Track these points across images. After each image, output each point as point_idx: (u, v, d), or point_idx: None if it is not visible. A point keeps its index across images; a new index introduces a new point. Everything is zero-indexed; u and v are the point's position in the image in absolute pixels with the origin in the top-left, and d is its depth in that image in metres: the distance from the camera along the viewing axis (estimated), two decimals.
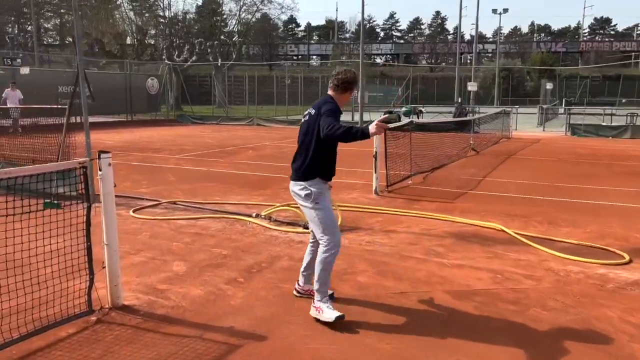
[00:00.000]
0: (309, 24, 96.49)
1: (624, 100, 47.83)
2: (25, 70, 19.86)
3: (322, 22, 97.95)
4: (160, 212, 6.92)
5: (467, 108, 22.59)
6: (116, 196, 8.10)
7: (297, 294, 4.10)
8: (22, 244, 3.36)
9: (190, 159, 12.59)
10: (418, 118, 23.35)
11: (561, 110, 30.18)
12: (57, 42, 71.90)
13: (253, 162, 12.13)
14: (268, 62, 61.79)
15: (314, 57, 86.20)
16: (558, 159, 13.10)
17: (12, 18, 73.25)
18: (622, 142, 17.84)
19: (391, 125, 8.53)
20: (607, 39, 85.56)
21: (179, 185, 9.00)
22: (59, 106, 7.37)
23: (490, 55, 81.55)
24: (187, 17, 47.04)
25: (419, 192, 8.50)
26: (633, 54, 71.58)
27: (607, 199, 8.06)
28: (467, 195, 8.32)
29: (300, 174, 3.72)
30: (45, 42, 79.39)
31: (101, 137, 18.58)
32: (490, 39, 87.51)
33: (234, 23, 48.64)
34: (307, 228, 5.81)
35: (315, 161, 3.66)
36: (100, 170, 3.53)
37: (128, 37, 44.49)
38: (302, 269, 4.08)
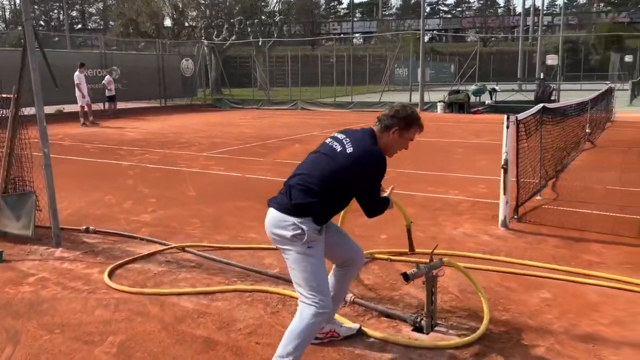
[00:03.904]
0: (351, 1, 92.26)
1: None
2: None
3: None
4: (157, 271, 4.11)
5: (552, 86, 18.97)
6: (97, 232, 4.60)
7: (314, 341, 2.81)
8: None
9: (222, 158, 9.81)
10: (491, 98, 19.87)
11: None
12: (101, 27, 71.16)
13: None
14: (310, 40, 58.47)
15: (357, 34, 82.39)
16: None
17: (57, 4, 73.06)
18: None
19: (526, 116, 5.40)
20: None
21: (199, 205, 6.21)
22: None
23: (545, 28, 75.85)
24: None
25: (565, 218, 5.39)
26: None
27: None
28: None
29: (292, 208, 2.58)
30: (89, 27, 79.13)
31: (127, 125, 16.16)
32: (545, 11, 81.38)
33: (274, 1, 45.84)
34: (420, 329, 2.91)
35: (321, 207, 2.59)
36: None
37: (167, 18, 42.26)
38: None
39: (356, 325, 3.08)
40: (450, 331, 3.08)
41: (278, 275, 3.94)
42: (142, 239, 4.85)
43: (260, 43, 34.87)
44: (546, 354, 2.84)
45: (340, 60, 31.32)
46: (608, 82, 21.46)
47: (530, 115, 5.56)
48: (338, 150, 2.62)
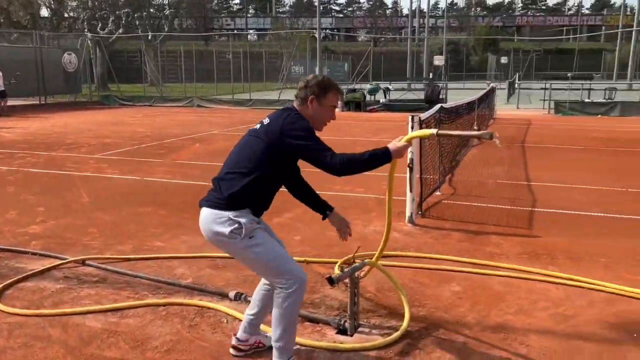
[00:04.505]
0: None
1: (569, 74, 47.50)
2: None
3: None
4: (55, 289, 3.73)
5: (440, 85, 20.15)
6: None
7: (237, 353, 2.82)
8: None
9: (116, 160, 9.21)
10: (385, 97, 20.66)
11: (518, 85, 28.21)
12: None
13: (204, 164, 8.94)
14: (203, 35, 56.89)
15: (251, 31, 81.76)
16: (584, 147, 10.76)
17: None
18: (624, 121, 15.92)
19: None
20: (539, 14, 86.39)
21: (95, 213, 5.76)
22: None
23: (429, 29, 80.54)
24: None
25: (464, 212, 5.73)
26: (565, 28, 72.65)
27: None
28: (540, 217, 5.62)
29: (226, 201, 2.47)
30: None
31: (1, 125, 14.63)
32: (429, 14, 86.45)
33: None
34: (344, 331, 2.94)
35: (255, 190, 2.50)
36: None
37: (43, 8, 38.87)
38: (247, 312, 2.84)
39: None
40: (374, 331, 3.12)
41: (192, 285, 3.76)
42: (33, 254, 4.39)
43: (150, 37, 33.32)
44: (464, 346, 2.97)
45: (236, 57, 30.86)
46: (488, 81, 23.23)
47: (430, 115, 5.83)
48: (258, 127, 2.62)
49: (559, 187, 7.08)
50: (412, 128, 5.12)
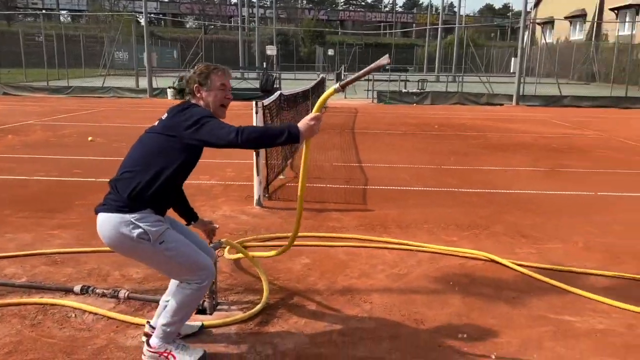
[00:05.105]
0: None
1: (387, 67, 51.96)
2: None
3: None
4: None
5: (274, 75, 20.58)
6: None
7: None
8: None
9: None
10: None
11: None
12: None
13: (22, 156, 8.03)
14: (5, 14, 49.96)
15: (64, 12, 74.19)
16: (403, 132, 11.95)
17: None
18: (434, 109, 17.97)
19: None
20: (359, 10, 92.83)
21: None
22: None
23: (259, 19, 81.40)
24: None
25: (306, 193, 6.00)
26: (382, 24, 79.41)
27: (520, 185, 6.83)
28: (372, 194, 6.20)
29: (123, 203, 2.38)
30: None
31: None
32: (255, 4, 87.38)
33: None
34: (204, 311, 3.05)
35: (156, 188, 2.41)
36: None
37: None
38: (164, 298, 2.80)
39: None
40: (232, 307, 3.21)
41: (29, 284, 3.44)
42: None
43: None
44: (317, 310, 3.23)
45: (48, 40, 27.79)
46: (318, 72, 24.37)
47: (272, 101, 6.03)
48: (157, 124, 2.54)
49: (386, 167, 7.84)
50: (257, 113, 5.26)
